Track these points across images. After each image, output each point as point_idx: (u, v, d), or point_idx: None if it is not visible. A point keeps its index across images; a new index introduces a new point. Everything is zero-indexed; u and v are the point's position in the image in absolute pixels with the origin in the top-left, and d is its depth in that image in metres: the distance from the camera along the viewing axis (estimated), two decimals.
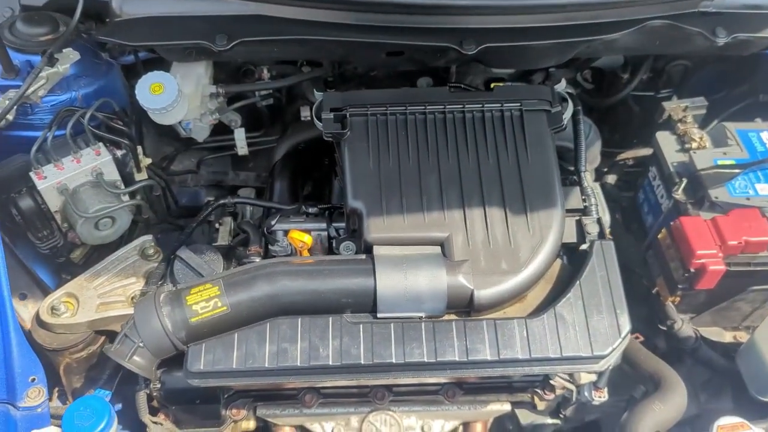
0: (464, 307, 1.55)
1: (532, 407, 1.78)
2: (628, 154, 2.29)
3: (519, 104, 1.74)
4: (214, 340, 1.50)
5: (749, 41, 1.88)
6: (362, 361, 1.47)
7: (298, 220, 1.84)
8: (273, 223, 1.82)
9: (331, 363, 1.47)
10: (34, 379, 1.47)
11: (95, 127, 1.90)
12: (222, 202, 1.92)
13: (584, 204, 1.76)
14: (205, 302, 1.48)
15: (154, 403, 1.65)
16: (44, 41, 1.85)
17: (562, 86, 1.86)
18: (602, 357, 1.49)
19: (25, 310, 1.76)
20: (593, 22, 1.82)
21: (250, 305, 1.50)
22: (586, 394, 1.69)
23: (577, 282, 1.56)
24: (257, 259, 1.76)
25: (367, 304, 1.53)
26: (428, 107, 1.73)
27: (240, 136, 2.22)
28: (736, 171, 1.83)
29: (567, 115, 1.79)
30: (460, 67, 2.05)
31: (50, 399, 1.57)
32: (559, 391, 1.71)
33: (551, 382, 1.68)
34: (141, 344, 1.48)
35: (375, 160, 1.68)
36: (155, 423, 1.63)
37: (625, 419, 1.61)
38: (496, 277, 1.53)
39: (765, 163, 1.84)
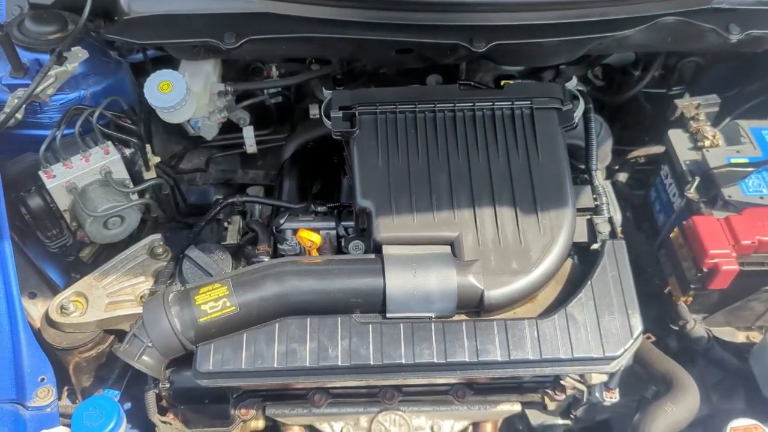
0: (474, 307, 1.53)
1: (543, 407, 1.77)
2: (640, 152, 2.27)
3: (530, 102, 1.72)
4: (222, 340, 1.49)
5: (763, 38, 1.86)
6: (371, 362, 1.47)
7: (307, 219, 1.84)
8: (282, 222, 1.82)
9: (340, 363, 1.47)
10: (43, 379, 1.47)
11: (104, 126, 1.90)
12: (231, 200, 1.91)
13: (595, 203, 1.74)
14: (214, 302, 1.48)
15: (163, 403, 1.65)
16: (53, 39, 1.84)
17: (573, 84, 1.84)
18: (614, 358, 1.48)
19: (35, 309, 1.76)
20: (604, 19, 1.81)
21: (258, 305, 1.49)
22: (597, 394, 1.68)
23: (589, 282, 1.55)
24: (266, 259, 1.76)
25: (377, 304, 1.52)
26: (438, 105, 1.72)
27: (249, 134, 2.22)
28: (750, 169, 1.81)
29: (578, 113, 1.77)
30: (469, 65, 2.04)
31: (59, 398, 1.58)
32: (569, 392, 1.70)
33: (562, 382, 1.67)
34: (150, 344, 1.48)
35: (384, 159, 1.67)
36: (164, 423, 1.63)
37: (637, 420, 1.59)
38: (507, 277, 1.52)
39: None
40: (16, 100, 1.80)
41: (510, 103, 1.72)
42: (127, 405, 1.72)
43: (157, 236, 1.81)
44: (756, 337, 1.88)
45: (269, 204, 2.02)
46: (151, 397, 1.60)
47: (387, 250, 1.56)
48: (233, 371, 1.47)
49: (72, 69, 1.84)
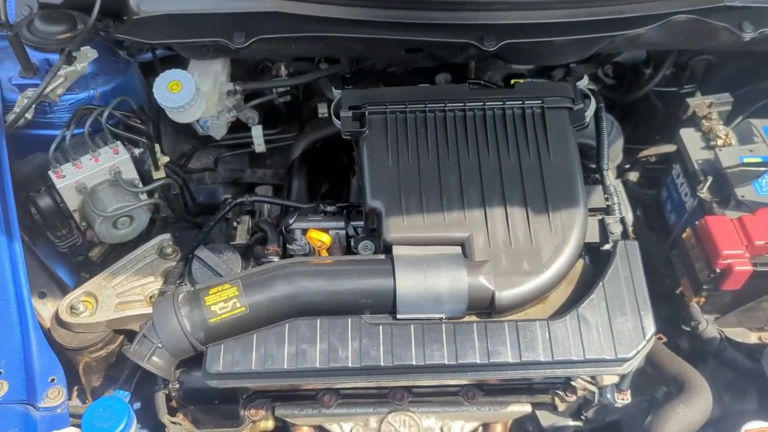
0: (485, 308, 1.52)
1: (553, 408, 1.76)
2: (651, 151, 2.25)
3: (541, 101, 1.71)
4: (232, 341, 1.49)
5: None
6: (382, 363, 1.46)
7: (316, 219, 1.83)
8: (291, 222, 1.81)
9: (350, 365, 1.46)
10: (53, 380, 1.47)
11: (113, 126, 1.90)
12: (240, 200, 1.91)
13: (607, 203, 1.73)
14: (224, 303, 1.47)
15: (173, 403, 1.65)
16: (62, 39, 1.84)
17: (584, 83, 1.83)
18: (626, 360, 1.46)
19: (45, 309, 1.76)
20: (616, 17, 1.79)
21: (268, 306, 1.49)
22: (608, 396, 1.67)
23: (601, 283, 1.54)
24: (275, 259, 1.75)
25: (387, 305, 1.51)
26: (448, 105, 1.71)
27: (257, 134, 2.21)
28: (763, 169, 1.80)
29: (590, 113, 1.76)
30: (479, 63, 2.03)
31: (69, 398, 1.58)
32: (580, 393, 1.69)
33: (573, 383, 1.66)
34: (160, 345, 1.47)
35: (394, 159, 1.66)
36: (174, 423, 1.63)
37: (649, 422, 1.58)
38: (518, 278, 1.51)
39: None
40: (25, 100, 1.80)
41: (521, 102, 1.71)
42: (137, 405, 1.73)
43: (167, 236, 1.81)
44: None
45: (278, 204, 2.02)
46: (160, 397, 1.60)
47: (397, 250, 1.55)
48: (243, 372, 1.47)
49: (81, 69, 1.84)
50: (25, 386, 1.45)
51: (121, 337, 1.75)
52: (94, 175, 1.84)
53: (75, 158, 1.83)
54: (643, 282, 1.54)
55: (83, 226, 1.92)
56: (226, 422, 1.70)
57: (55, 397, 1.44)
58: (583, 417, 1.80)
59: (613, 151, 2.03)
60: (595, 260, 1.66)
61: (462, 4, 1.77)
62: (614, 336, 1.48)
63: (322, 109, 2.19)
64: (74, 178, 1.81)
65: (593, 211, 1.70)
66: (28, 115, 1.81)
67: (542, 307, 1.56)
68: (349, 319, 1.51)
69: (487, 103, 1.71)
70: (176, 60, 1.95)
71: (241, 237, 1.90)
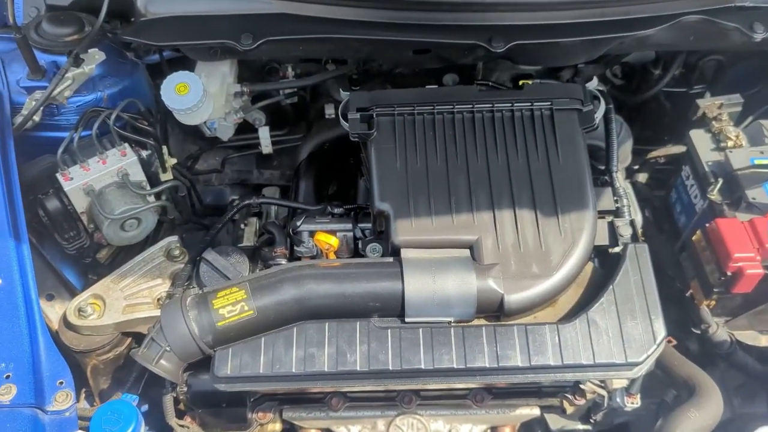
0: (494, 311, 1.52)
1: (562, 411, 1.75)
2: (660, 152, 2.24)
3: (549, 103, 1.70)
4: (240, 345, 1.48)
5: None
6: (390, 367, 1.45)
7: (324, 221, 1.83)
8: (299, 224, 1.81)
9: (358, 369, 1.45)
10: (62, 383, 1.47)
11: (120, 128, 1.90)
12: (247, 202, 1.91)
13: (616, 205, 1.72)
14: (232, 306, 1.47)
15: (181, 406, 1.65)
16: (70, 41, 1.84)
17: (593, 84, 1.82)
18: (636, 364, 1.46)
19: (52, 311, 1.76)
20: (625, 18, 1.78)
21: (276, 309, 1.48)
22: (618, 399, 1.66)
23: (611, 286, 1.53)
24: (283, 261, 1.75)
25: (395, 308, 1.50)
26: (456, 107, 1.70)
27: (264, 135, 2.21)
28: None
29: (599, 115, 1.75)
30: (486, 64, 2.02)
31: (77, 401, 1.57)
32: (589, 396, 1.67)
33: (582, 387, 1.65)
34: (168, 348, 1.47)
35: (402, 161, 1.65)
36: (182, 426, 1.62)
37: (660, 426, 1.57)
38: (527, 282, 1.50)
39: None
40: (33, 103, 1.80)
41: (530, 104, 1.70)
42: (145, 406, 1.72)
43: (174, 238, 1.81)
44: None
45: (286, 206, 2.01)
46: (168, 401, 1.59)
47: (405, 253, 1.55)
48: (251, 376, 1.46)
49: (89, 71, 1.84)
50: (34, 390, 1.44)
51: (129, 339, 1.75)
52: (102, 178, 1.84)
53: (83, 160, 1.83)
54: (653, 286, 1.53)
55: (91, 229, 1.92)
56: (234, 425, 1.69)
57: (63, 400, 1.44)
58: (591, 420, 1.78)
59: (623, 153, 2.02)
60: (605, 263, 1.65)
61: (470, 6, 1.77)
62: (624, 340, 1.47)
63: (329, 110, 2.19)
64: (82, 181, 1.81)
65: (602, 213, 1.69)
66: (36, 118, 1.81)
67: (552, 310, 1.56)
68: (358, 323, 1.50)
69: (495, 105, 1.70)
70: (183, 61, 1.95)
71: (249, 239, 1.90)
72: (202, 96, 1.82)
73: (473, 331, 1.49)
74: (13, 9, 1.75)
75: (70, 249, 1.91)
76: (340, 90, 1.89)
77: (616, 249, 1.63)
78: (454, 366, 1.45)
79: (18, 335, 1.52)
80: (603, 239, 1.66)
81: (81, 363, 1.71)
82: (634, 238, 1.65)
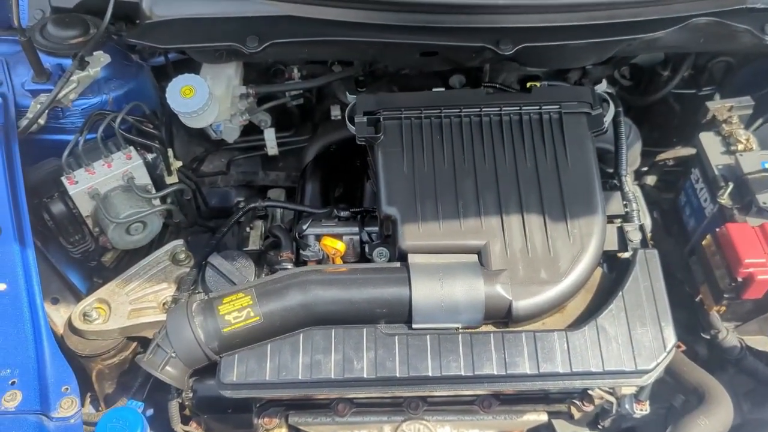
0: (502, 318, 1.51)
1: (569, 418, 1.73)
2: (669, 154, 2.22)
3: (558, 106, 1.68)
4: (246, 351, 1.48)
5: None
6: (398, 374, 1.44)
7: (330, 225, 1.81)
8: (305, 228, 1.79)
9: (365, 376, 1.44)
10: (67, 389, 1.46)
11: (126, 131, 1.89)
12: (253, 205, 1.89)
13: (626, 210, 1.71)
14: (238, 312, 1.46)
15: (186, 412, 1.64)
16: (75, 44, 1.83)
17: (602, 87, 1.80)
18: (646, 372, 1.44)
19: (57, 315, 1.76)
20: (634, 20, 1.76)
21: (282, 315, 1.47)
22: (627, 406, 1.64)
23: (620, 292, 1.51)
24: (289, 265, 1.73)
25: (402, 314, 1.49)
26: (464, 110, 1.69)
27: (270, 137, 2.20)
28: None
29: (608, 118, 1.73)
30: (493, 65, 2.00)
31: (83, 405, 1.57)
32: (598, 402, 1.66)
33: (590, 393, 1.64)
34: (173, 354, 1.46)
35: (409, 165, 1.64)
36: None
37: None
38: (535, 288, 1.49)
39: None
40: (38, 106, 1.79)
41: (538, 107, 1.69)
42: (150, 411, 1.72)
43: (179, 242, 1.80)
44: None
45: (292, 209, 2.00)
46: (174, 406, 1.59)
47: (413, 258, 1.53)
48: (257, 383, 1.45)
49: (94, 73, 1.83)
50: (39, 396, 1.44)
51: (134, 344, 1.74)
52: (107, 181, 1.82)
53: (88, 164, 1.82)
54: (663, 292, 1.52)
55: (96, 232, 1.91)
56: (240, 431, 1.68)
57: (68, 407, 1.43)
58: (600, 426, 1.77)
59: (631, 156, 2.01)
60: (614, 269, 1.63)
61: (478, 8, 1.75)
62: (634, 347, 1.46)
63: (335, 112, 2.18)
64: (87, 184, 1.80)
65: (612, 218, 1.68)
66: (41, 121, 1.80)
67: (560, 316, 1.54)
68: (365, 329, 1.49)
69: (503, 108, 1.69)
70: (189, 64, 1.94)
71: (254, 242, 1.88)
72: (208, 99, 1.81)
73: (481, 337, 1.48)
74: (18, 11, 1.74)
75: (75, 253, 1.90)
76: (347, 93, 1.88)
77: (626, 254, 1.62)
78: (462, 373, 1.44)
79: (23, 341, 1.51)
80: (612, 244, 1.64)
81: (86, 367, 1.70)
82: (644, 243, 1.63)
